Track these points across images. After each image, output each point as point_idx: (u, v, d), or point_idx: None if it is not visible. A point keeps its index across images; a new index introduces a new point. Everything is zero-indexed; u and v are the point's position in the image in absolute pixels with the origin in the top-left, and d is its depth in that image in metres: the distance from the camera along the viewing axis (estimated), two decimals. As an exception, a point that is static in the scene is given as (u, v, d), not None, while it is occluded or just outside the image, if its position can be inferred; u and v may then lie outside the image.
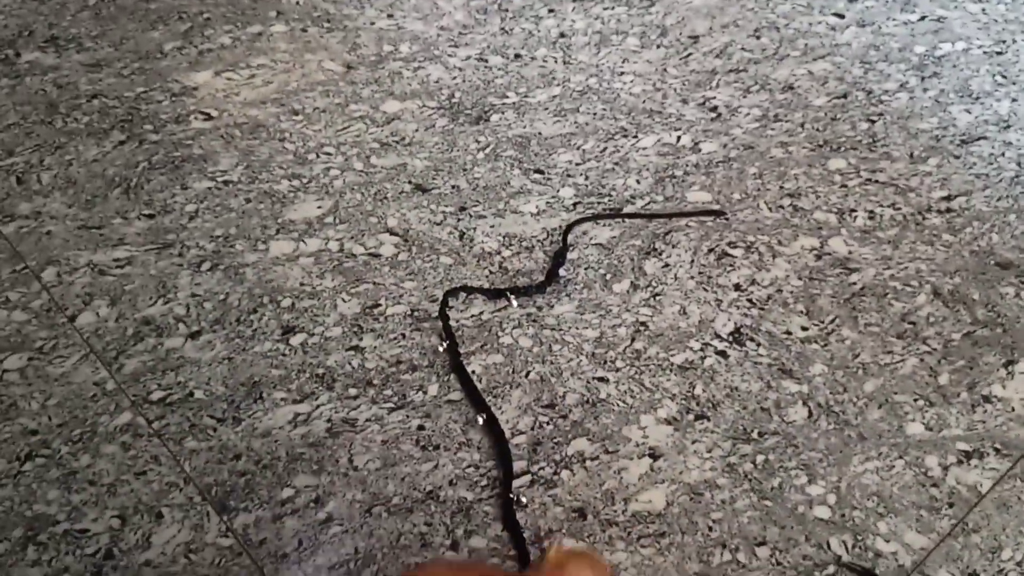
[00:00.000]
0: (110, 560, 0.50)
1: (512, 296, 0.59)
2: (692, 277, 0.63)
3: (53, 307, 0.61)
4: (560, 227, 0.66)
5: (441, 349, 0.55)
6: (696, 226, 0.66)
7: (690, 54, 0.80)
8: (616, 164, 0.70)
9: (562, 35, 0.82)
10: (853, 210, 0.67)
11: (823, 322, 0.60)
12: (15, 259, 0.63)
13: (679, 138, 0.73)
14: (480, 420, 0.55)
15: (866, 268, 0.63)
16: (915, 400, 0.56)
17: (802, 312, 0.61)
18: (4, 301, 0.61)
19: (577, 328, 0.60)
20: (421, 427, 0.55)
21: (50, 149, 0.70)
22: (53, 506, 0.52)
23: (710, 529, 0.51)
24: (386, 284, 0.62)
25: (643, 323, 0.60)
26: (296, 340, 0.59)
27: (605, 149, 0.71)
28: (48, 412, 0.56)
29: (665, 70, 0.79)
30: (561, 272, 0.61)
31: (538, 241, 0.65)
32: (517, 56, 0.79)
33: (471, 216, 0.67)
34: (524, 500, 0.52)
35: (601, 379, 0.57)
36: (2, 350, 0.58)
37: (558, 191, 0.68)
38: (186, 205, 0.67)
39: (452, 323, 0.59)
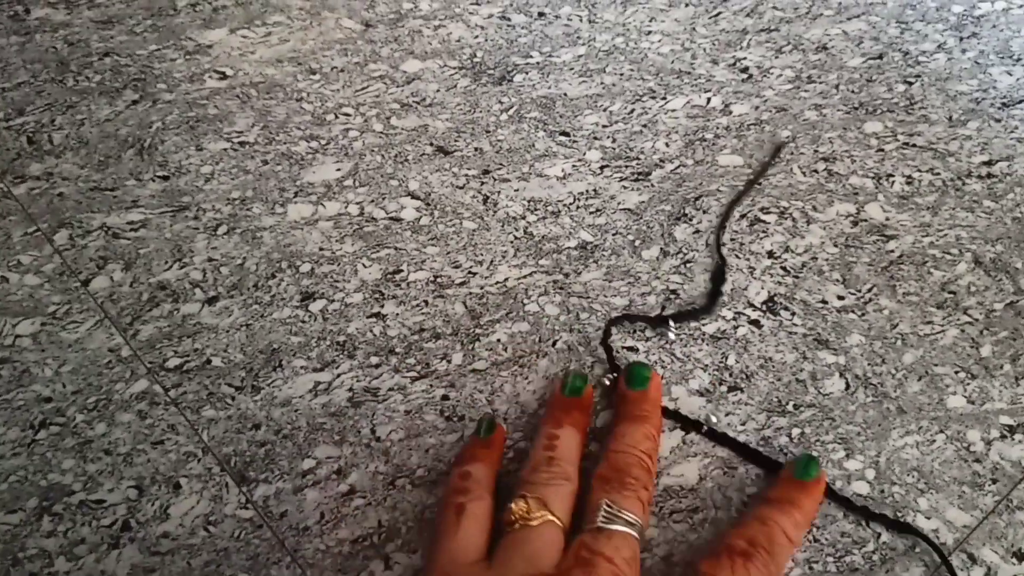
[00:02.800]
0: (127, 531, 0.49)
1: (672, 323, 0.56)
2: (724, 244, 0.61)
3: (66, 271, 0.59)
4: (587, 191, 0.63)
5: (607, 382, 0.53)
6: (727, 191, 0.64)
7: (720, 13, 0.77)
8: (644, 126, 0.68)
9: (587, -7, 0.79)
10: (890, 175, 0.65)
11: (860, 291, 0.58)
12: (27, 222, 0.61)
13: (709, 100, 0.70)
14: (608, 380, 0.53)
15: (904, 235, 0.61)
16: (956, 372, 0.55)
17: (838, 280, 0.59)
18: (16, 264, 0.59)
19: (605, 296, 0.58)
20: (445, 397, 0.54)
21: (61, 108, 0.68)
22: (68, 476, 0.51)
23: (744, 504, 0.49)
24: (408, 249, 0.60)
25: (673, 291, 0.58)
26: (316, 307, 0.58)
27: (633, 111, 0.69)
28: (62, 379, 0.54)
29: (694, 29, 0.76)
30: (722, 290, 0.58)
31: (564, 205, 0.63)
32: (541, 14, 0.77)
33: (495, 179, 0.64)
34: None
35: (630, 348, 0.55)
36: (15, 315, 0.57)
37: (584, 154, 0.66)
38: (201, 167, 0.65)
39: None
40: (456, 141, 0.67)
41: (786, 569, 0.46)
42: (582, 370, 0.54)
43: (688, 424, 0.52)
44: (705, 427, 0.52)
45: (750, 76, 0.72)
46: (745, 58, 0.74)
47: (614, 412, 0.51)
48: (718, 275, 0.58)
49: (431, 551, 0.45)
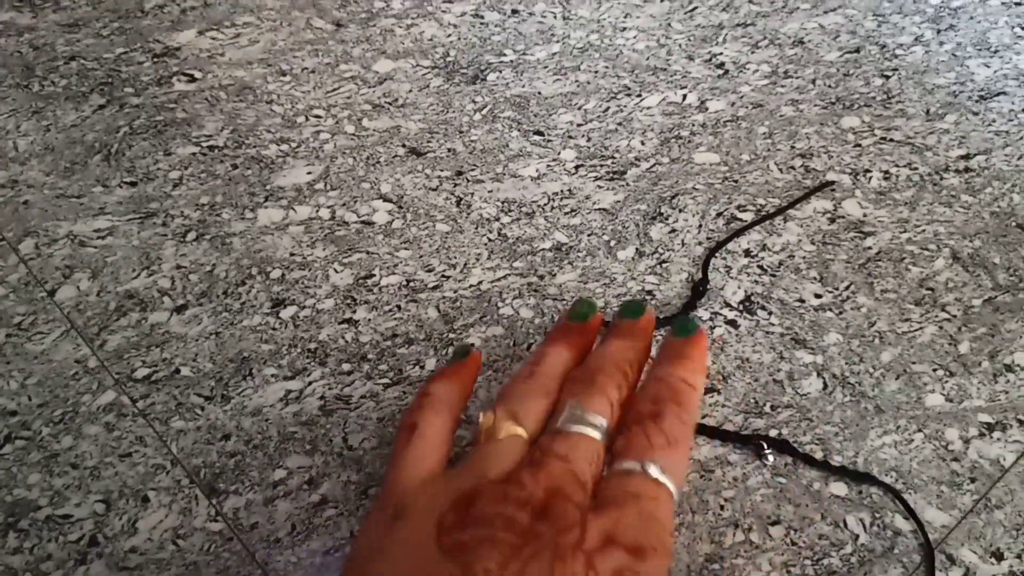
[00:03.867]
0: (95, 546, 0.48)
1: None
2: (700, 243, 0.60)
3: (31, 281, 0.58)
4: (561, 191, 0.63)
5: (597, 304, 0.50)
6: (704, 189, 0.63)
7: (695, 8, 0.77)
8: (619, 124, 0.67)
9: (561, -11, 0.78)
10: (868, 170, 0.64)
11: (837, 289, 0.58)
12: (-9, 231, 0.60)
13: (685, 96, 0.69)
14: None
15: (882, 232, 0.61)
16: (934, 370, 0.54)
17: (815, 279, 0.58)
18: (-20, 275, 0.58)
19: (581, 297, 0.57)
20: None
21: (27, 114, 0.67)
22: (34, 490, 0.50)
23: (722, 508, 0.48)
24: (380, 253, 0.60)
25: (649, 292, 0.57)
26: (287, 313, 0.57)
27: (608, 109, 0.68)
28: (28, 392, 0.53)
29: (669, 25, 0.75)
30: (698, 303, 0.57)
31: (539, 206, 0.62)
32: (515, 12, 0.76)
33: (468, 181, 0.64)
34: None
35: (606, 351, 0.55)
36: (-21, 327, 0.56)
37: (559, 153, 0.65)
38: (170, 172, 0.64)
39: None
40: (429, 142, 0.66)
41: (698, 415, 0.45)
42: (592, 299, 0.52)
43: None
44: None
45: (726, 72, 0.71)
46: (721, 53, 0.73)
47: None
48: (699, 288, 0.58)
49: (385, 472, 0.42)
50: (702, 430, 0.51)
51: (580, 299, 0.47)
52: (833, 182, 0.63)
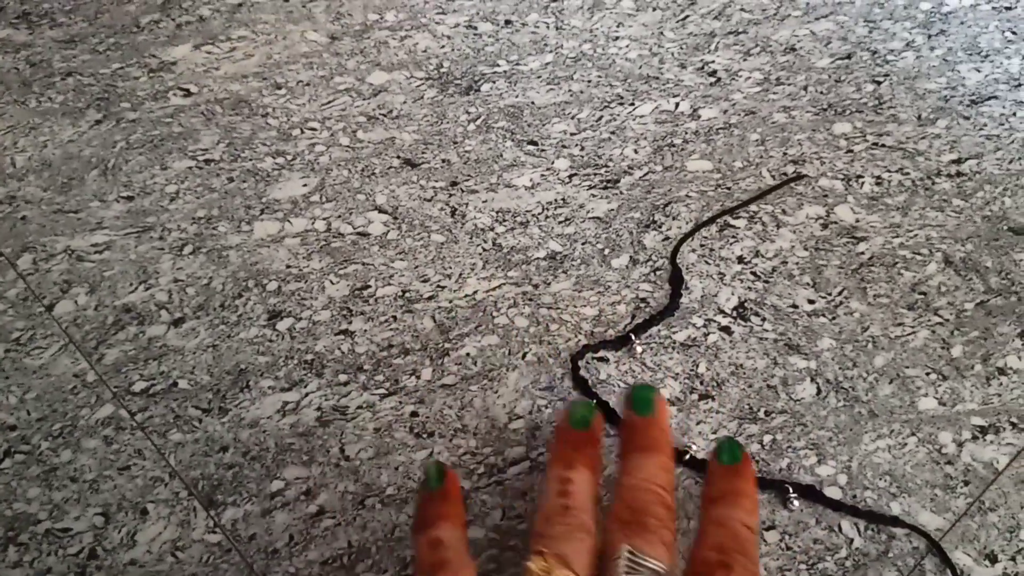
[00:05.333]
0: (94, 560, 0.48)
1: (635, 338, 0.55)
2: (693, 250, 0.60)
3: (30, 296, 0.58)
4: (555, 200, 0.63)
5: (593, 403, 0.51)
6: (697, 196, 0.63)
7: (687, 16, 0.77)
8: (613, 133, 0.68)
9: (554, -1, 0.79)
10: (860, 176, 0.65)
11: (830, 294, 0.58)
12: (-11, 246, 0.61)
13: (677, 105, 0.70)
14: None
15: (874, 237, 0.61)
16: (927, 374, 0.54)
17: (808, 284, 0.59)
18: (-21, 291, 0.59)
19: (575, 306, 0.58)
20: (415, 413, 0.53)
21: (24, 130, 0.67)
22: (34, 504, 0.50)
23: (717, 514, 0.49)
24: (375, 264, 0.60)
25: (643, 299, 0.58)
26: (283, 325, 0.57)
27: (601, 118, 0.69)
28: (27, 406, 0.54)
29: (662, 33, 0.76)
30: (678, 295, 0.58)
31: (533, 216, 0.62)
32: (508, 22, 0.76)
33: (462, 191, 0.64)
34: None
35: (601, 359, 0.55)
36: (-22, 342, 0.56)
37: (553, 163, 0.66)
38: (166, 186, 0.64)
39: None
40: (423, 153, 0.66)
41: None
42: (585, 399, 0.52)
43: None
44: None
45: (718, 80, 0.72)
46: (713, 61, 0.73)
47: (620, 440, 0.46)
48: (676, 280, 0.58)
49: None
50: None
51: (575, 403, 0.46)
52: (806, 174, 0.64)
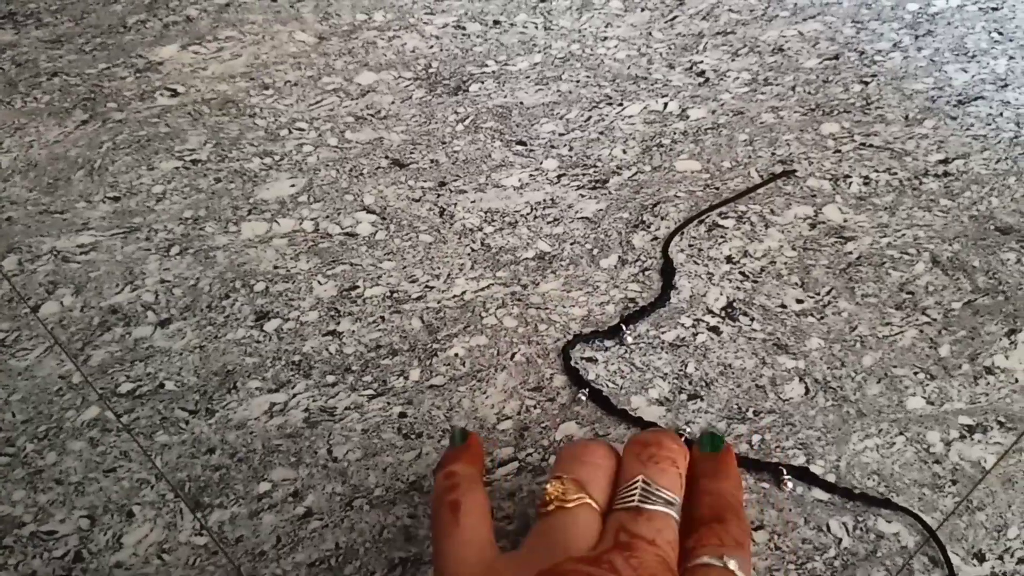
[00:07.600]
0: (79, 562, 0.48)
1: (626, 328, 0.55)
2: (682, 250, 0.60)
3: (15, 297, 0.58)
4: (544, 200, 0.63)
5: (582, 397, 0.52)
6: (686, 196, 0.63)
7: (676, 16, 0.77)
8: (601, 133, 0.68)
9: (543, -1, 0.79)
10: (847, 176, 0.65)
11: (819, 294, 0.58)
12: (-26, 248, 0.60)
13: (666, 105, 0.70)
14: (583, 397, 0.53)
15: (862, 237, 0.61)
16: (915, 373, 0.54)
17: (797, 284, 0.59)
18: (-37, 292, 0.58)
19: (564, 306, 0.57)
20: (403, 414, 0.53)
21: (9, 131, 0.67)
22: (19, 507, 0.50)
23: (705, 514, 0.49)
24: (363, 265, 0.60)
25: (632, 299, 0.58)
26: (271, 326, 0.57)
27: (589, 118, 0.69)
28: (12, 408, 0.53)
29: (650, 34, 0.76)
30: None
31: (521, 216, 0.62)
32: (496, 23, 0.76)
33: (451, 191, 0.64)
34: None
35: (589, 359, 0.55)
36: (-38, 344, 0.56)
37: (541, 163, 0.66)
38: (153, 186, 0.64)
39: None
40: (412, 153, 0.66)
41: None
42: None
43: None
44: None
45: (707, 80, 0.72)
46: (702, 62, 0.73)
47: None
48: (668, 272, 0.58)
49: (435, 559, 0.41)
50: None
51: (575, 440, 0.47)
52: (795, 169, 0.64)
